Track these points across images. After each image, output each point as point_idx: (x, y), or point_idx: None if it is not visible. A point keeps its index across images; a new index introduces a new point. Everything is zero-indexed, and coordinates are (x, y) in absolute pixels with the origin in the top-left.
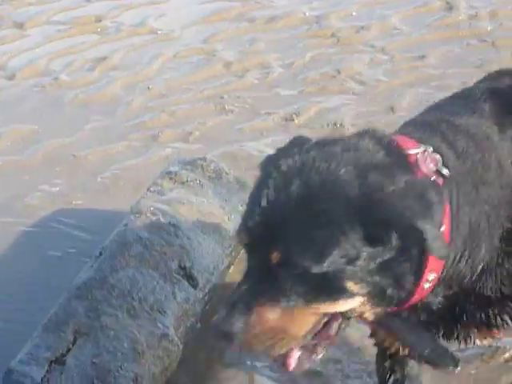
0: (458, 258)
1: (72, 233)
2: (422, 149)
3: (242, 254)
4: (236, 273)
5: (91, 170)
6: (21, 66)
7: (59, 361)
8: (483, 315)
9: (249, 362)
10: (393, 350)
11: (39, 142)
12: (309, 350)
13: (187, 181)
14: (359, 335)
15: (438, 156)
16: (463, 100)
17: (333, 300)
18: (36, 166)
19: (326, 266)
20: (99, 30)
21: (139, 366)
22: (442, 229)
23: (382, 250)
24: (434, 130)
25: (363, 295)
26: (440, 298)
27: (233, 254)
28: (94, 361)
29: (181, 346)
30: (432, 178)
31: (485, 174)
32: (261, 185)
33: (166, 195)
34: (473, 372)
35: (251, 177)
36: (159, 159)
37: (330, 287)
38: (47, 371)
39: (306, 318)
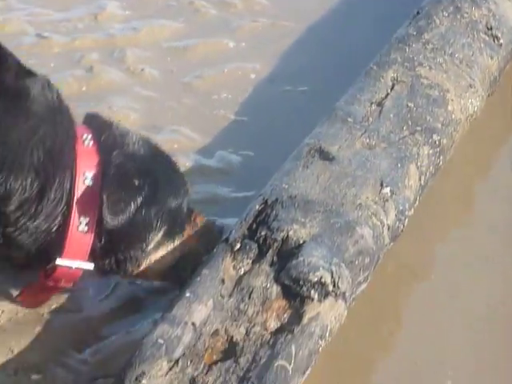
0: None
1: None
2: None
3: None
4: None
5: None
6: None
7: (378, 103)
8: None
9: None
10: None
11: None
12: None
13: None
14: None
15: None
16: None
17: None
18: None
19: None
20: None
21: (445, 113)
22: None
23: None
24: None
25: None
26: None
27: None
28: (409, 104)
29: (485, 97)
30: None
31: None
32: None
33: None
34: None
35: None
36: None
37: None
38: (367, 111)
39: None
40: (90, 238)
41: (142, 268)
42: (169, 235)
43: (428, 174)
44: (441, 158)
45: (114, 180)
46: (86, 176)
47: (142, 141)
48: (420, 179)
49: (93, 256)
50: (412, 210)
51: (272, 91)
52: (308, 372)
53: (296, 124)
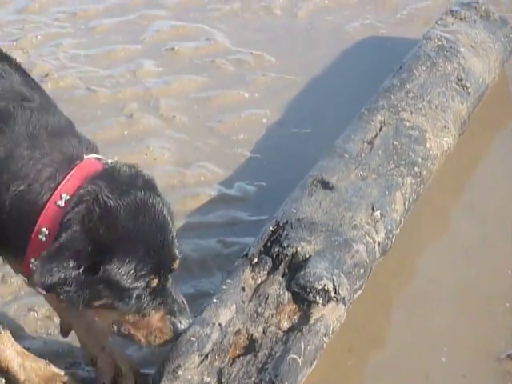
0: None
1: (374, 54)
2: None
3: None
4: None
5: (393, 9)
6: None
7: (369, 142)
8: None
9: None
10: None
11: None
12: None
13: (464, 18)
14: None
15: None
16: None
17: None
18: (353, 5)
19: None
20: None
21: (424, 149)
22: None
23: None
24: None
25: None
26: None
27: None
28: (394, 142)
29: (457, 136)
30: None
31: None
32: None
33: (448, 27)
34: None
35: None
36: (444, 2)
37: None
38: (360, 148)
39: None
40: None
41: None
42: None
43: (411, 199)
44: (421, 186)
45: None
46: (42, 231)
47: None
48: (404, 204)
49: None
50: (398, 229)
51: (281, 133)
52: (315, 364)
53: (301, 159)
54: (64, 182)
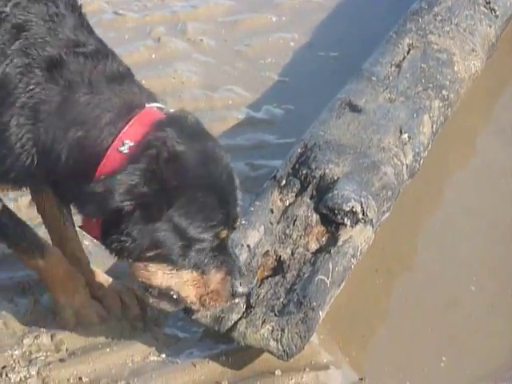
0: None
1: None
2: None
3: None
4: None
5: None
6: None
7: (397, 65)
8: None
9: None
10: None
11: None
12: None
13: None
14: None
15: None
16: None
17: None
18: None
19: None
20: None
21: (452, 72)
22: None
23: None
24: None
25: None
26: None
27: None
28: (422, 65)
29: (485, 59)
30: None
31: None
32: None
33: None
34: None
35: None
36: None
37: None
38: (388, 71)
39: None
40: None
41: None
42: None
43: (439, 122)
44: (449, 109)
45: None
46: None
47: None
48: (432, 127)
49: None
50: (426, 152)
51: (308, 56)
52: (343, 285)
53: (329, 83)
54: (126, 128)
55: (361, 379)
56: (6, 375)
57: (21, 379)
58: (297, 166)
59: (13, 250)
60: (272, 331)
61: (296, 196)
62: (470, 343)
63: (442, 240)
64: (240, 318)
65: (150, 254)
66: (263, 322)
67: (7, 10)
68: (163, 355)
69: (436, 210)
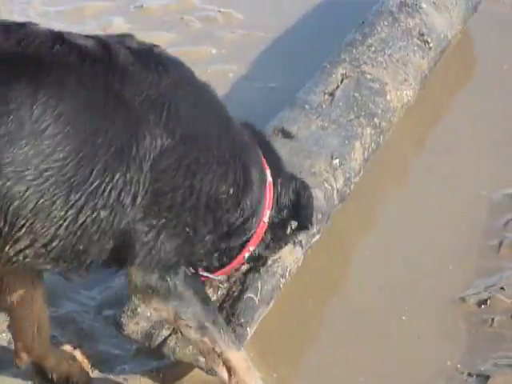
0: None
1: (340, 12)
2: None
3: None
4: None
5: None
6: None
7: (330, 93)
8: None
9: None
10: None
11: None
12: None
13: None
14: None
15: None
16: None
17: None
18: None
19: None
20: None
21: (384, 101)
22: None
23: None
24: None
25: None
26: None
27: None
28: (355, 94)
29: (417, 89)
30: None
31: None
32: None
33: None
34: None
35: None
36: None
37: None
38: (322, 100)
39: None
40: None
41: None
42: None
43: (370, 149)
44: (381, 137)
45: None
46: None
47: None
48: (364, 153)
49: None
50: (357, 177)
51: (246, 87)
52: (272, 303)
53: (265, 112)
54: None
55: None
56: None
57: None
58: None
59: None
60: None
61: None
62: (390, 369)
63: (372, 266)
64: (170, 334)
65: None
66: (190, 339)
67: None
68: (96, 371)
69: (367, 235)
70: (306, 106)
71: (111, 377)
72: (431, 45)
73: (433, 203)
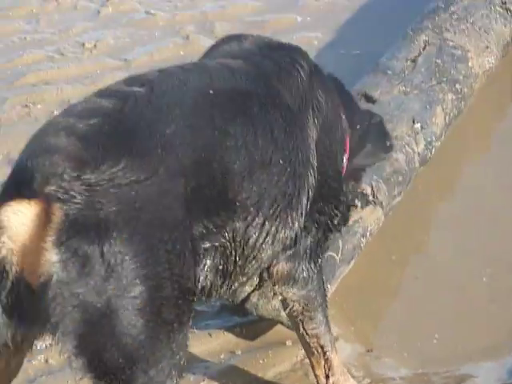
0: None
1: None
2: None
3: None
4: None
5: None
6: None
7: (413, 60)
8: None
9: None
10: None
11: None
12: None
13: None
14: None
15: None
16: None
17: None
18: None
19: None
20: None
21: (466, 68)
22: None
23: None
24: None
25: None
26: None
27: None
28: (437, 61)
29: (499, 57)
30: None
31: None
32: None
33: None
34: None
35: None
36: None
37: None
38: (404, 66)
39: None
40: None
41: None
42: None
43: (452, 114)
44: (462, 103)
45: None
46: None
47: None
48: (445, 118)
49: None
50: (438, 142)
51: (331, 54)
52: (352, 262)
53: (349, 79)
54: None
55: (368, 351)
56: None
57: None
58: None
59: None
60: None
61: None
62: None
63: (455, 228)
64: (253, 290)
65: None
66: (275, 294)
67: None
68: None
69: (449, 199)
70: (389, 72)
71: (195, 331)
72: None
73: None
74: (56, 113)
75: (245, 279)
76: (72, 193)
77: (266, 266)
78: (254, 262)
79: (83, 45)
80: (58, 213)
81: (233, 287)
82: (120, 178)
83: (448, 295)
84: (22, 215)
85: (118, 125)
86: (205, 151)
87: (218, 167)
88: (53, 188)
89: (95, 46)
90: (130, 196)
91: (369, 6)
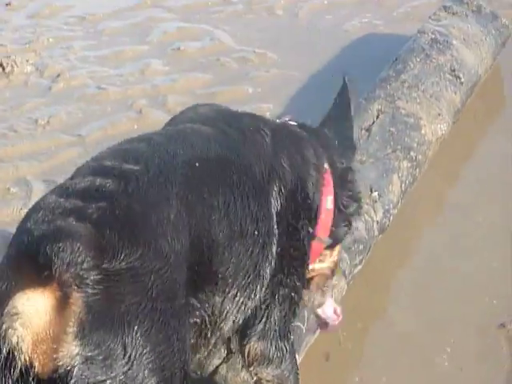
0: None
1: (372, 50)
2: None
3: None
4: None
5: (389, 7)
6: None
7: (367, 129)
8: None
9: None
10: None
11: None
12: None
13: (456, 12)
14: None
15: None
16: None
17: None
18: (351, 4)
19: None
20: None
21: (419, 135)
22: None
23: None
24: None
25: None
26: None
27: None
28: (391, 129)
29: (451, 123)
30: None
31: None
32: None
33: (441, 22)
34: None
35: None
36: (437, 1)
37: None
38: (359, 135)
39: None
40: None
41: None
42: None
43: (407, 182)
44: (417, 170)
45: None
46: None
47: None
48: (401, 186)
49: None
50: (395, 209)
51: None
52: (318, 332)
53: None
54: None
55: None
56: None
57: None
58: None
59: None
60: None
61: None
62: None
63: (413, 296)
64: (221, 363)
65: None
66: (243, 366)
67: None
68: None
69: (406, 266)
70: None
71: None
72: (463, 80)
73: (469, 232)
74: (14, 190)
75: (210, 350)
76: (90, 282)
77: (227, 337)
78: (218, 333)
79: (36, 121)
80: (79, 303)
81: (202, 360)
82: (138, 268)
83: (411, 362)
84: (36, 302)
85: (127, 210)
86: (197, 230)
87: (206, 242)
88: (71, 276)
89: (48, 122)
90: (149, 286)
91: (319, 76)
